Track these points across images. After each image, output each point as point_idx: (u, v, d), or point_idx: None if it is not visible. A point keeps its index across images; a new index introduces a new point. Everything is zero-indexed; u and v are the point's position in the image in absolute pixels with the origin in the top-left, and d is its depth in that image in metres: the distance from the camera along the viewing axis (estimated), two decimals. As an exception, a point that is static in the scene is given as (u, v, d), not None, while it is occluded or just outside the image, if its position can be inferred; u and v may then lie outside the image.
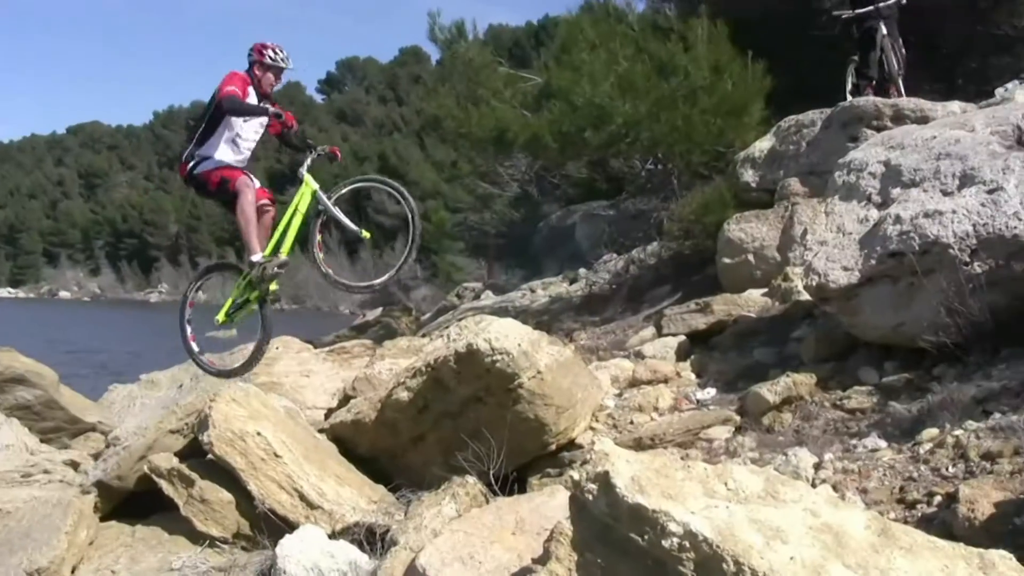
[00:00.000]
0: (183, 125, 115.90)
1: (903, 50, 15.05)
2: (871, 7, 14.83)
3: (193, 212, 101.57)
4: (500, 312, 13.85)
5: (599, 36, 15.77)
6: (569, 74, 15.01)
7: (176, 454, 8.95)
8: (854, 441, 6.81)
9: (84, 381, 18.56)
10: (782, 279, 10.92)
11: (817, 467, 6.46)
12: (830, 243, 8.38)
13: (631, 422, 8.69)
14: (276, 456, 8.11)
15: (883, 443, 6.55)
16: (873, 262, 7.86)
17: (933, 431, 6.21)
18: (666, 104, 14.83)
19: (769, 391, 7.97)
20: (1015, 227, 7.27)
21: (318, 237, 9.82)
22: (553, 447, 8.23)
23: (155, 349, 24.94)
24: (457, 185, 34.35)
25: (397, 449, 8.73)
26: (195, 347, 9.96)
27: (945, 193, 7.95)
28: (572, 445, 8.33)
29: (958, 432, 5.95)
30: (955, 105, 11.81)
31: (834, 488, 5.90)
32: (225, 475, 8.29)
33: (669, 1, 24.80)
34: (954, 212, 7.55)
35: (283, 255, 9.60)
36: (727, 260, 12.12)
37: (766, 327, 10.22)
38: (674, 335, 10.63)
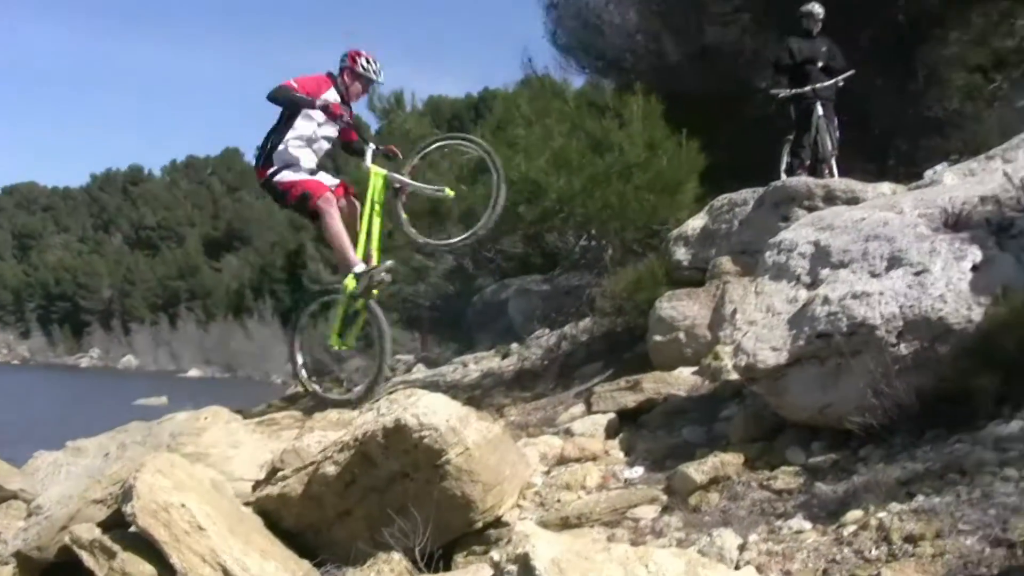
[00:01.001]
0: (119, 188, 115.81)
1: (837, 131, 15.29)
2: (809, 88, 15.05)
3: (128, 276, 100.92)
4: (432, 386, 13.81)
5: (535, 112, 15.85)
6: (505, 148, 15.07)
7: (99, 524, 8.75)
8: (779, 522, 6.78)
9: (8, 447, 18.27)
10: (712, 358, 10.94)
11: (742, 548, 6.43)
12: (759, 323, 8.43)
13: (558, 500, 8.63)
14: (200, 529, 7.97)
15: (808, 524, 6.53)
16: (801, 343, 7.89)
17: (857, 513, 6.20)
18: (600, 180, 14.91)
19: (696, 470, 7.95)
20: (941, 309, 7.35)
21: (404, 215, 9.76)
22: (480, 524, 8.13)
23: (83, 415, 24.75)
24: (392, 255, 34.41)
25: (323, 524, 8.61)
26: (317, 387, 9.95)
27: (873, 275, 8.02)
28: (499, 523, 8.24)
29: (882, 514, 5.94)
30: (885, 186, 11.96)
31: (758, 570, 5.89)
32: (148, 547, 8.12)
33: (606, 77, 25.08)
34: (881, 294, 7.62)
35: (376, 259, 9.57)
36: (658, 338, 12.13)
37: (695, 406, 10.22)
38: (604, 413, 10.59)
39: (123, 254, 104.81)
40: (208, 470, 9.71)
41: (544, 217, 14.94)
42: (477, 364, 18.11)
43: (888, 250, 8.15)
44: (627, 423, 10.42)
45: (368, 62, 9.85)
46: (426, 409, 7.97)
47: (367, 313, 9.65)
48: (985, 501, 5.63)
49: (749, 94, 20.49)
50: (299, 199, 9.48)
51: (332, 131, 9.85)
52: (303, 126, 9.73)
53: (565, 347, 15.42)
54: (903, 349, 7.42)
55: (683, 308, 12.02)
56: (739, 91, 21.16)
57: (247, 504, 9.17)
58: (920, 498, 6.01)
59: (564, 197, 14.64)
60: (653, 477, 8.70)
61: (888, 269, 7.98)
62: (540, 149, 15.02)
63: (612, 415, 10.49)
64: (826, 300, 7.90)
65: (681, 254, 13.97)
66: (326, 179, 9.73)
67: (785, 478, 7.57)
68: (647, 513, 7.91)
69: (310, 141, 9.75)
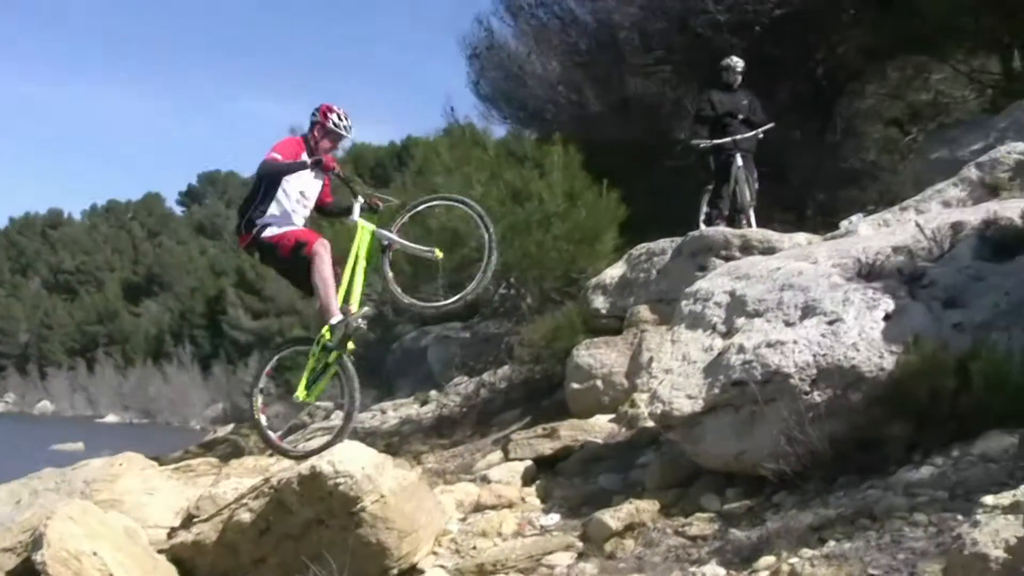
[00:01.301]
0: (38, 232, 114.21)
1: (756, 182, 15.42)
2: (729, 139, 15.18)
3: (45, 320, 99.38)
4: (349, 434, 13.75)
5: (455, 160, 15.91)
6: (424, 196, 15.10)
7: (8, 573, 8.66)
8: (694, 568, 6.81)
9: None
10: (629, 405, 11.00)
11: (656, 594, 6.46)
12: (675, 371, 8.48)
13: (474, 547, 8.63)
14: (112, 577, 7.90)
15: (722, 570, 6.55)
16: (716, 391, 7.95)
17: (770, 559, 6.23)
18: (520, 229, 14.97)
19: (612, 517, 7.97)
20: (853, 358, 7.44)
21: (390, 273, 9.65)
22: (395, 572, 8.14)
23: (-4, 462, 24.35)
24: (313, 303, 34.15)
25: (237, 571, 8.56)
26: (274, 438, 9.79)
27: (787, 323, 8.11)
28: (414, 570, 8.25)
29: (794, 560, 5.97)
30: (801, 236, 12.10)
31: (672, 615, 5.91)
32: (58, 597, 8.03)
33: (528, 127, 25.20)
34: (795, 342, 7.70)
35: (366, 308, 9.46)
36: (576, 385, 12.16)
37: (612, 453, 10.26)
38: (521, 460, 10.60)
39: (41, 298, 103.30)
40: (122, 517, 9.60)
41: (463, 265, 14.94)
42: (396, 411, 18.10)
43: (802, 299, 8.24)
44: (544, 470, 10.43)
45: (340, 118, 9.75)
46: (342, 456, 7.98)
47: (338, 367, 9.58)
48: (895, 546, 5.68)
49: (669, 145, 20.64)
50: (294, 249, 9.38)
51: (315, 189, 9.81)
52: (289, 188, 9.69)
53: (484, 394, 15.43)
54: (816, 397, 7.50)
55: (601, 356, 12.06)
56: (659, 142, 21.32)
57: (161, 551, 9.07)
58: (831, 544, 6.05)
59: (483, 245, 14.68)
60: (569, 524, 8.71)
61: (802, 318, 8.06)
62: (460, 197, 15.07)
63: (529, 462, 10.50)
64: (741, 348, 7.97)
65: (599, 302, 14.03)
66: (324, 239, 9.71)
67: (700, 524, 7.61)
68: (563, 560, 7.92)
69: (297, 200, 9.72)
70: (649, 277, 13.59)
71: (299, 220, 9.69)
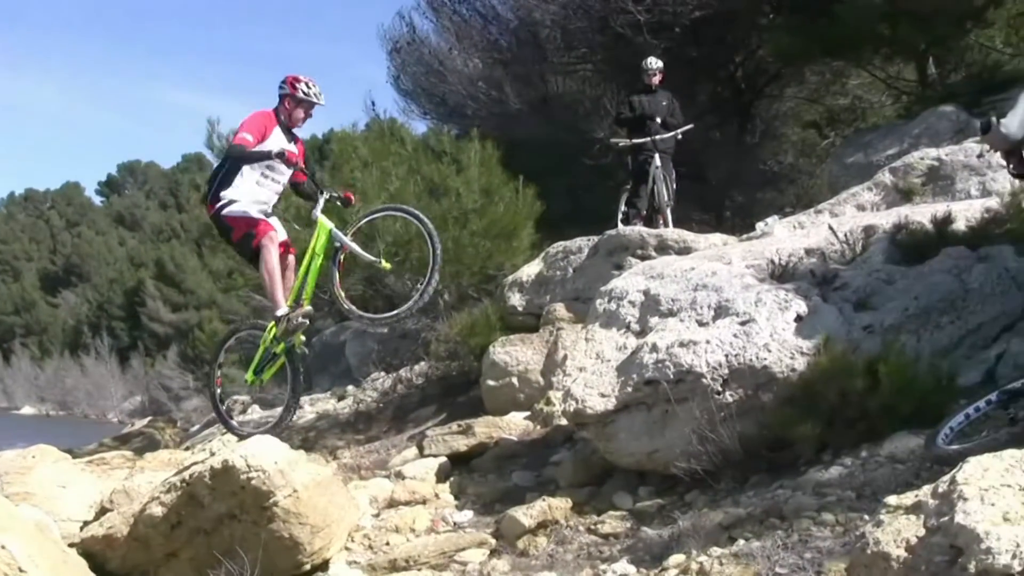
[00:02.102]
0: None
1: (675, 183, 15.50)
2: (647, 139, 15.24)
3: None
4: (254, 425, 13.69)
5: (372, 154, 15.85)
6: (341, 189, 15.06)
7: (-85, 568, 8.54)
8: (605, 566, 6.85)
9: None
10: (544, 403, 11.03)
11: (567, 591, 6.48)
12: (589, 369, 8.51)
13: (387, 543, 8.62)
14: (21, 571, 7.75)
15: (632, 568, 6.60)
16: (629, 389, 7.99)
17: (680, 557, 6.28)
18: (437, 225, 14.91)
19: (525, 514, 8.00)
20: (765, 358, 7.52)
21: (338, 277, 9.55)
22: (307, 567, 8.11)
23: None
24: (233, 296, 33.92)
25: (149, 566, 8.48)
26: (229, 419, 9.78)
27: (700, 323, 8.18)
28: (327, 565, 8.22)
29: (703, 558, 6.02)
30: (717, 237, 12.19)
31: (582, 612, 5.94)
32: (-36, 592, 7.93)
33: (448, 123, 25.19)
34: (708, 342, 7.77)
35: (306, 304, 9.39)
36: (491, 382, 12.17)
37: (526, 450, 10.29)
38: (435, 456, 10.61)
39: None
40: (34, 510, 9.49)
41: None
42: (313, 406, 17.98)
43: (716, 300, 8.31)
44: (459, 467, 10.45)
45: (308, 86, 9.72)
46: (255, 451, 7.93)
47: (285, 358, 9.56)
48: (802, 545, 5.75)
49: (588, 144, 20.71)
50: (241, 240, 9.36)
51: (285, 171, 9.75)
52: (256, 167, 9.65)
53: (400, 390, 15.39)
54: (728, 396, 7.58)
55: (516, 353, 12.08)
56: (579, 140, 21.37)
57: (73, 545, 8.97)
58: (741, 542, 6.11)
59: (400, 240, 14.64)
60: (482, 521, 8.74)
61: (715, 318, 8.14)
62: (377, 192, 15.01)
63: (444, 459, 10.51)
64: (654, 348, 8.01)
65: (516, 300, 14.06)
66: (276, 227, 9.63)
67: (612, 522, 7.66)
68: (475, 557, 7.93)
69: (258, 180, 9.66)
70: (566, 275, 13.65)
71: (265, 195, 9.69)
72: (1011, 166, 7.52)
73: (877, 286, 8.67)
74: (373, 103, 27.13)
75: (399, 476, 10.37)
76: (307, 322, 9.43)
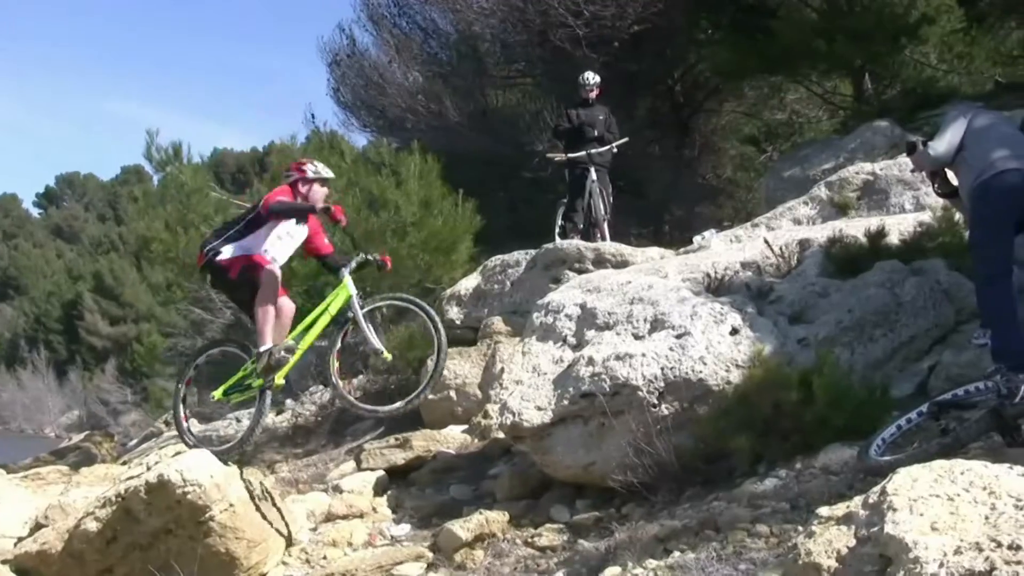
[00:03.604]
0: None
1: (611, 197, 15.58)
2: (583, 153, 15.30)
3: None
4: (203, 441, 13.59)
5: (311, 167, 15.82)
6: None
7: None
8: (542, 579, 6.87)
9: None
10: (482, 416, 11.05)
11: (505, 604, 6.49)
12: (526, 382, 8.51)
13: (324, 557, 8.58)
14: (-49, 589, 7.74)
15: (571, 581, 6.62)
16: (566, 402, 8.00)
17: (616, 569, 6.28)
18: (375, 237, 14.93)
19: (462, 528, 7.98)
20: (700, 371, 7.57)
21: (336, 363, 9.67)
22: (244, 582, 8.06)
23: None
24: (172, 309, 33.76)
25: (84, 582, 8.42)
26: (187, 425, 9.94)
27: (637, 337, 8.21)
28: (263, 580, 8.19)
29: (638, 570, 6.03)
30: (654, 251, 12.27)
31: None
32: None
33: (388, 136, 25.16)
34: (644, 355, 7.80)
35: (290, 340, 9.37)
36: (429, 396, 12.15)
37: (464, 464, 10.30)
38: (373, 470, 10.58)
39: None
40: (-33, 525, 9.43)
41: (318, 273, 14.87)
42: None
43: (652, 313, 8.34)
44: (396, 480, 10.43)
45: (313, 164, 9.89)
46: (191, 465, 7.87)
47: (259, 397, 9.53)
48: (736, 557, 5.77)
49: (527, 157, 20.77)
50: (240, 273, 9.31)
51: (301, 233, 9.76)
52: (269, 229, 9.65)
53: (339, 404, 15.35)
54: (664, 409, 7.61)
55: (454, 367, 12.08)
56: (517, 154, 21.43)
57: (6, 562, 8.89)
58: (676, 554, 6.13)
59: (337, 253, 14.64)
60: (420, 534, 8.72)
61: (651, 331, 8.17)
62: (315, 204, 15.00)
63: (381, 472, 10.48)
64: (591, 361, 8.03)
65: (454, 313, 14.07)
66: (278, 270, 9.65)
67: (549, 535, 7.66)
68: (412, 570, 7.91)
69: (279, 237, 9.67)
70: (503, 289, 13.67)
71: (282, 251, 9.75)
72: (936, 186, 7.67)
73: (812, 299, 8.76)
74: (313, 116, 27.20)
75: (337, 490, 10.33)
76: (290, 357, 9.37)
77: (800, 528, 5.60)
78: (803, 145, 20.52)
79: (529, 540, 7.74)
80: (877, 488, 4.38)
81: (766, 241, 10.21)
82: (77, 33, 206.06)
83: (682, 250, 12.07)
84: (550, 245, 13.35)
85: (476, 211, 16.42)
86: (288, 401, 17.97)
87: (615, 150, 15.67)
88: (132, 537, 8.04)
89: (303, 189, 9.76)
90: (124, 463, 14.50)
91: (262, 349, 9.23)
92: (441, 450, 10.74)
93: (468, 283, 14.42)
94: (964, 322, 8.78)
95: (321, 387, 17.35)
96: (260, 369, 9.31)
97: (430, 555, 8.10)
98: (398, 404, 9.58)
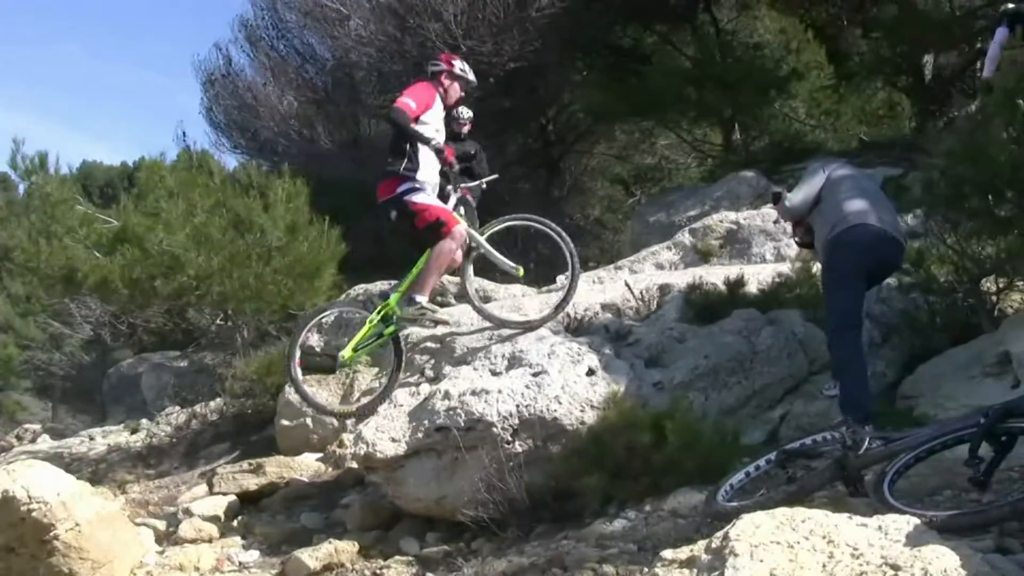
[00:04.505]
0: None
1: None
2: (450, 187, 15.35)
3: None
4: (55, 458, 13.37)
5: (179, 184, 15.65)
6: (145, 219, 14.82)
7: None
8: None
9: None
10: (337, 445, 11.01)
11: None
12: (381, 413, 8.50)
13: (169, 581, 8.49)
14: None
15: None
16: (420, 435, 7.99)
17: (469, 603, 6.31)
18: (240, 260, 14.81)
19: (311, 557, 7.93)
20: (555, 410, 7.62)
21: (472, 275, 9.81)
22: (86, 604, 7.92)
23: None
24: (30, 321, 33.15)
25: (-85, 599, 8.21)
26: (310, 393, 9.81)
27: (494, 373, 8.26)
28: (107, 603, 8.05)
29: (484, 606, 6.06)
30: (517, 288, 12.32)
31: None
32: None
33: (259, 158, 25.02)
34: (500, 392, 7.82)
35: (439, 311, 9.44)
36: (285, 422, 12.07)
37: (317, 492, 10.24)
38: (225, 494, 10.47)
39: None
40: None
41: (180, 293, 14.72)
42: (105, 438, 17.64)
43: (510, 350, 8.41)
44: (248, 506, 10.32)
45: (462, 63, 10.08)
46: (37, 481, 7.71)
47: (393, 343, 9.40)
48: (581, 596, 5.81)
49: (396, 188, 20.77)
50: (428, 225, 9.18)
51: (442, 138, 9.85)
52: (429, 150, 9.64)
53: (195, 426, 15.17)
54: (518, 446, 7.64)
55: (312, 394, 12.00)
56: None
57: None
58: (522, 590, 6.16)
59: (202, 274, 14.50)
60: (268, 561, 8.63)
61: (508, 368, 8.22)
62: (181, 223, 14.83)
63: (233, 497, 10.37)
64: (447, 395, 8.04)
65: (315, 340, 13.96)
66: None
67: (397, 567, 7.63)
68: (258, 598, 7.86)
69: (432, 160, 9.62)
70: (365, 319, 13.64)
71: (435, 178, 9.79)
72: (796, 236, 7.85)
73: (669, 344, 8.88)
74: (184, 133, 26.93)
75: (187, 513, 10.18)
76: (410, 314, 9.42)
77: (645, 569, 5.65)
78: (670, 191, 20.81)
79: (378, 571, 7.70)
80: (720, 533, 4.45)
81: (627, 284, 10.33)
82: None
83: (544, 288, 12.15)
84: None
85: (342, 238, 16.36)
86: (143, 421, 17.76)
87: (484, 186, 15.72)
88: (-28, 555, 7.88)
89: (446, 83, 9.79)
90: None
91: (418, 298, 9.26)
92: (294, 477, 10.66)
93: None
94: (816, 372, 8.98)
95: (178, 408, 17.17)
96: (400, 317, 9.39)
97: (278, 583, 8.06)
98: (540, 316, 9.60)
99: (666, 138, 24.66)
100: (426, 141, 9.44)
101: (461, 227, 9.53)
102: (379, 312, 9.63)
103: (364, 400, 9.72)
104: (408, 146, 9.53)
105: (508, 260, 9.78)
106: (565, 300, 9.42)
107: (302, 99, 24.57)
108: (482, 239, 9.62)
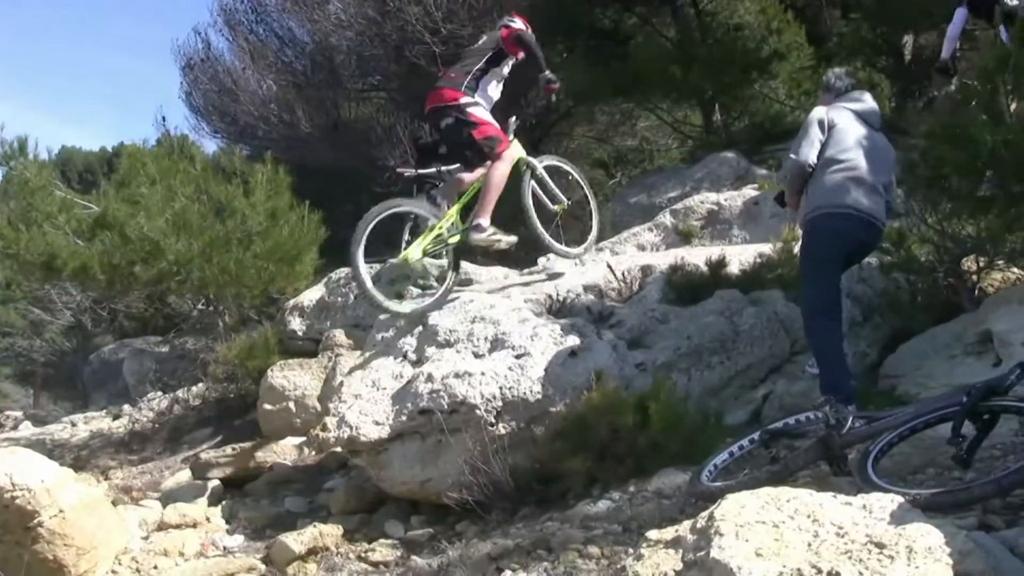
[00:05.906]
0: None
1: (460, 215, 15.64)
2: (434, 169, 15.32)
3: None
4: (37, 445, 13.34)
5: (160, 171, 15.58)
6: (126, 206, 14.76)
7: None
8: (370, 593, 6.85)
9: None
10: (320, 429, 10.97)
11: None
12: (364, 396, 8.47)
13: (155, 567, 8.42)
14: None
15: (404, 596, 6.61)
16: (404, 418, 7.98)
17: (448, 586, 6.31)
18: (220, 246, 14.77)
19: (295, 541, 7.93)
20: (538, 392, 7.62)
21: (530, 199, 9.93)
22: (73, 591, 7.91)
23: None
24: (10, 308, 33.01)
25: (-102, 588, 8.18)
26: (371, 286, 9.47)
27: (477, 355, 8.23)
28: (92, 588, 8.04)
29: (469, 588, 6.06)
30: (499, 271, 12.29)
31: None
32: None
33: (239, 143, 24.94)
34: (483, 374, 7.81)
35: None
36: (268, 406, 12.04)
37: (301, 476, 10.25)
38: (208, 479, 10.47)
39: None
40: None
41: (160, 278, 14.67)
42: (87, 424, 17.57)
43: (492, 332, 8.38)
44: (232, 491, 10.33)
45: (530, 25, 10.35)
46: (20, 468, 7.67)
47: (450, 256, 9.52)
48: (566, 577, 5.81)
49: (378, 171, 20.67)
50: (486, 139, 9.47)
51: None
52: (499, 71, 10.04)
53: (177, 411, 15.15)
54: (501, 428, 7.64)
55: (294, 378, 11.99)
56: (368, 168, 21.33)
57: None
58: (507, 573, 6.14)
59: (182, 260, 14.45)
60: (253, 546, 8.63)
61: (491, 351, 8.21)
62: (161, 209, 14.78)
63: (216, 482, 10.39)
64: (430, 378, 8.02)
65: (296, 324, 13.98)
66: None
67: (383, 550, 7.63)
68: (243, 582, 7.84)
69: (498, 90, 10.09)
70: (347, 302, 13.63)
71: (494, 99, 10.05)
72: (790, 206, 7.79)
73: (651, 325, 8.88)
74: (164, 118, 26.77)
75: (171, 498, 10.20)
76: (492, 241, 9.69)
77: (630, 550, 5.66)
78: (651, 172, 20.81)
79: (362, 555, 7.70)
80: (705, 513, 4.46)
81: (609, 265, 10.32)
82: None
83: (526, 271, 12.15)
84: (395, 260, 13.33)
85: (323, 223, 16.32)
86: (125, 407, 17.71)
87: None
88: (-45, 541, 7.85)
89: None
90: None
91: (483, 223, 9.48)
92: (278, 461, 10.67)
93: (312, 295, 14.35)
94: (799, 352, 9.00)
95: (160, 393, 17.14)
96: (465, 232, 9.61)
97: (262, 567, 8.02)
98: (577, 249, 10.57)
99: (647, 120, 24.62)
100: (542, 69, 9.89)
101: (514, 151, 9.74)
102: (451, 220, 9.82)
103: (423, 302, 9.68)
104: (484, 62, 9.88)
105: (556, 190, 10.43)
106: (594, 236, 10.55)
107: (282, 83, 24.42)
108: (540, 166, 9.81)
